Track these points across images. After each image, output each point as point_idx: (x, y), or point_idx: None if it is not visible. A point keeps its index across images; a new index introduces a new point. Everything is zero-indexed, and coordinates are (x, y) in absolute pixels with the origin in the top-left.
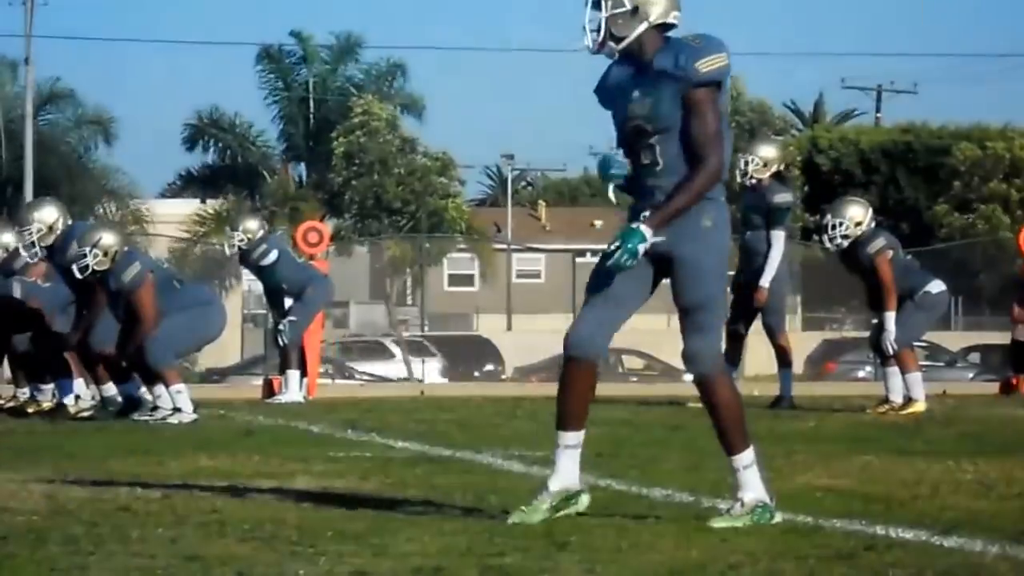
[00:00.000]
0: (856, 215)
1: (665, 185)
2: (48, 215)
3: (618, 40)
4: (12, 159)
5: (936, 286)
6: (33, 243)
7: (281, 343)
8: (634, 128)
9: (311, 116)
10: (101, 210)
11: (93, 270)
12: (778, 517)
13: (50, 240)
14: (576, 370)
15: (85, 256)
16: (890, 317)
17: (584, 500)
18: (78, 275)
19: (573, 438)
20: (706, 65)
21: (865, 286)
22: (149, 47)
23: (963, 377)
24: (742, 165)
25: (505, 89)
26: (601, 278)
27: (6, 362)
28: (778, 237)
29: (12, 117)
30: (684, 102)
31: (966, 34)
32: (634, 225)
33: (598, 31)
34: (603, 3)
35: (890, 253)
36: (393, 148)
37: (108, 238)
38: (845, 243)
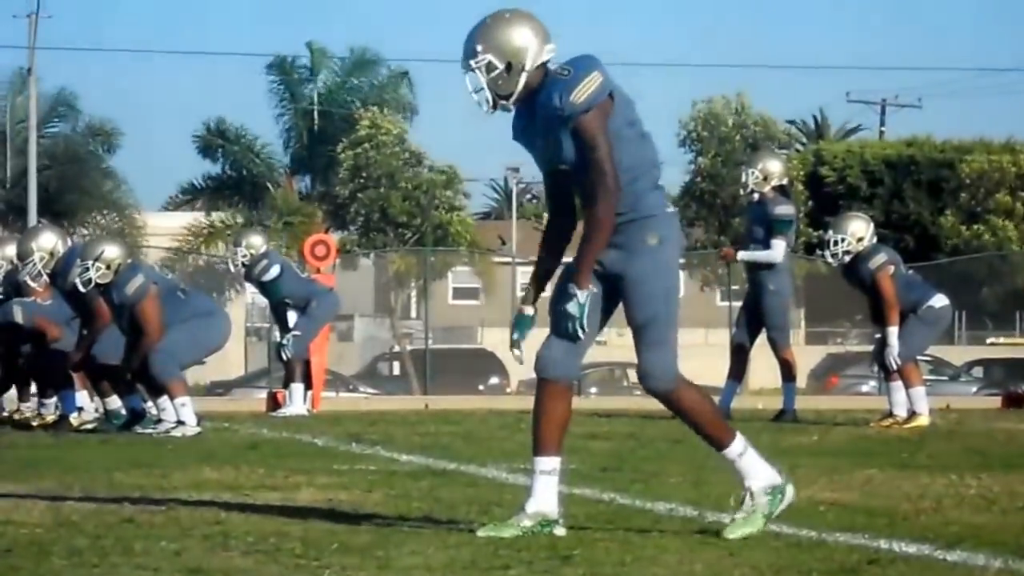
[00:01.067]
0: (858, 230)
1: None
2: (47, 242)
3: (506, 97)
4: (22, 170)
5: (939, 300)
6: (39, 272)
7: (284, 357)
8: (554, 171)
9: (315, 128)
10: (102, 220)
11: (96, 283)
12: (790, 491)
13: (52, 266)
14: (551, 392)
15: (88, 269)
16: (893, 332)
17: (559, 531)
18: (81, 288)
19: (548, 463)
20: (580, 94)
21: (868, 301)
22: (154, 58)
23: (966, 391)
24: (743, 178)
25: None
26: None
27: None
28: (777, 245)
29: (19, 129)
30: (574, 135)
31: (970, 49)
32: (567, 290)
33: (485, 91)
34: (478, 71)
35: (891, 268)
36: (400, 161)
37: (111, 251)
38: (847, 258)
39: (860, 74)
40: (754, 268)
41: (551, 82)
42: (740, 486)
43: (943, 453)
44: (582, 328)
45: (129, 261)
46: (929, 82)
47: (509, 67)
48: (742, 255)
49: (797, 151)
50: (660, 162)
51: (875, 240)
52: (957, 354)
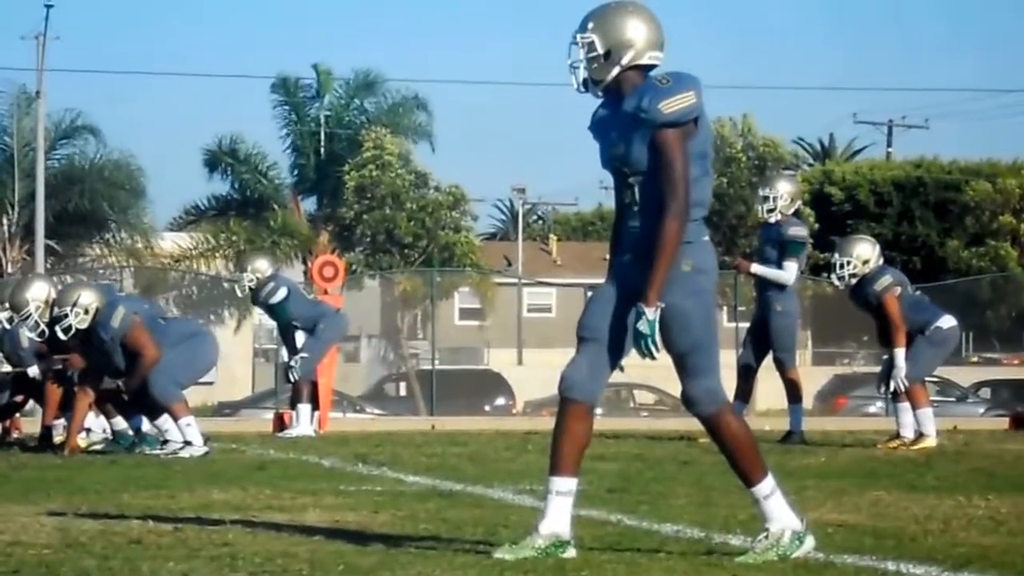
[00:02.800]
0: (863, 253)
1: (641, 225)
2: (39, 292)
3: (596, 83)
4: (29, 192)
5: (947, 321)
6: (37, 323)
7: (292, 378)
8: (614, 169)
9: (322, 149)
10: (112, 238)
11: (76, 329)
12: (810, 541)
13: (48, 315)
14: (573, 412)
15: (67, 316)
16: (900, 354)
17: (571, 553)
18: (62, 336)
19: (564, 484)
20: (670, 106)
21: (875, 322)
22: (161, 80)
23: (974, 412)
24: (771, 202)
25: (517, 123)
26: (593, 322)
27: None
28: (789, 267)
29: (25, 151)
30: (650, 144)
31: (977, 70)
32: (637, 309)
33: (580, 69)
34: (580, 47)
35: (897, 290)
36: (405, 183)
37: (86, 296)
38: (853, 281)
39: (867, 95)
40: (763, 288)
41: (646, 86)
42: (749, 508)
43: (950, 474)
44: (655, 345)
45: (107, 300)
46: (936, 103)
47: (608, 55)
48: (755, 268)
49: (805, 171)
50: (712, 201)
51: (882, 262)
52: (965, 375)
